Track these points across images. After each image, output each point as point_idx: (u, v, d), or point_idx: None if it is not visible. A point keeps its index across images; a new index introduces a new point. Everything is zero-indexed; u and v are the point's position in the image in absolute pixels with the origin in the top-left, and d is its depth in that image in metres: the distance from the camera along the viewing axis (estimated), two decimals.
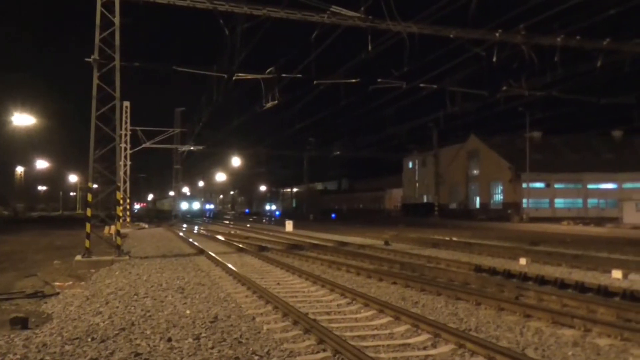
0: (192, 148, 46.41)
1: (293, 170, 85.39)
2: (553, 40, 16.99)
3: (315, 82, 18.91)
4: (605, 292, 10.26)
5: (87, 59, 16.81)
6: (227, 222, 58.01)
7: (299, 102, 34.23)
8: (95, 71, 16.68)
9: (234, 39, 15.99)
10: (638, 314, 8.12)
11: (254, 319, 8.48)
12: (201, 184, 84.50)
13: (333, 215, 69.86)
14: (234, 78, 18.58)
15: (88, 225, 16.64)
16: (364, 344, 6.99)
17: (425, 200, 71.57)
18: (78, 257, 16.37)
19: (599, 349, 6.77)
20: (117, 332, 7.68)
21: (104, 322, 8.34)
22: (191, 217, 77.97)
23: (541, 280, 11.80)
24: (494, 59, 17.07)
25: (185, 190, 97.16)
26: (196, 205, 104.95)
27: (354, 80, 19.44)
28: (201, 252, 19.31)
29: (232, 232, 33.57)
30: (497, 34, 16.46)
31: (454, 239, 25.39)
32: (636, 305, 9.08)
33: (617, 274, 12.84)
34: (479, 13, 15.82)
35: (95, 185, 18.02)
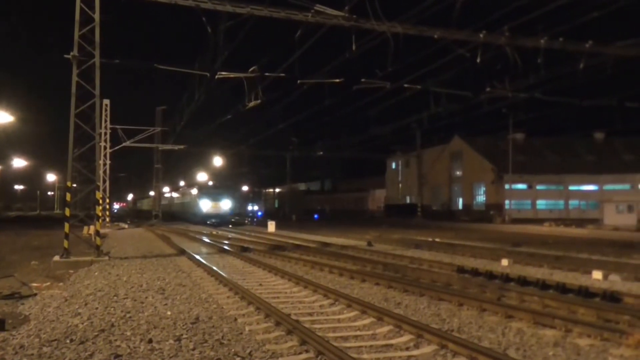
0: (173, 147, 45.90)
1: (275, 171, 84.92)
2: (536, 42, 17.13)
3: (298, 81, 18.85)
4: (585, 293, 10.37)
5: (66, 56, 16.51)
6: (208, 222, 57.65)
7: (282, 102, 34.29)
8: (74, 68, 16.40)
9: (217, 37, 15.87)
10: (617, 314, 8.23)
11: (235, 320, 8.40)
12: (182, 183, 76.71)
13: (316, 216, 69.76)
14: (216, 77, 18.44)
15: (67, 225, 16.34)
16: (347, 344, 6.98)
17: (408, 201, 71.86)
18: (56, 258, 16.08)
19: (579, 349, 6.84)
20: (96, 333, 7.56)
21: (82, 323, 8.19)
22: (217, 223, 46.48)
23: (523, 281, 11.87)
24: (478, 60, 17.15)
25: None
26: (227, 205, 53.66)
27: (337, 80, 19.42)
28: (182, 252, 19.13)
29: (214, 232, 33.36)
30: (481, 35, 16.54)
31: (437, 240, 25.51)
32: (616, 305, 9.22)
33: (597, 274, 12.99)
34: (463, 14, 15.92)
35: (74, 185, 17.73)
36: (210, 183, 54.81)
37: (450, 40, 16.56)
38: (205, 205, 50.48)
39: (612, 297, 9.93)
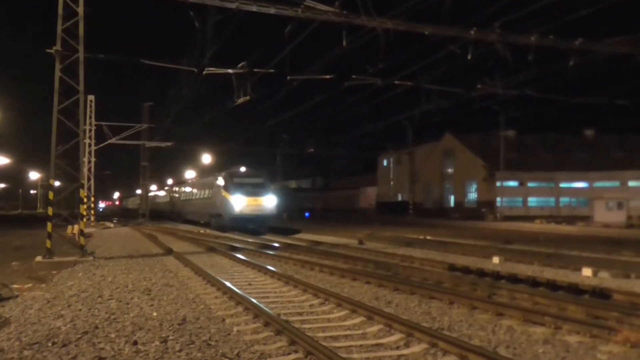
0: (160, 144, 45.43)
1: (266, 168, 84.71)
2: (527, 39, 17.10)
3: (288, 77, 18.69)
4: (575, 290, 10.40)
5: (48, 50, 16.22)
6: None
7: (271, 98, 34.13)
8: (57, 63, 16.09)
9: (205, 32, 15.68)
10: (606, 311, 8.22)
11: (223, 320, 8.27)
12: (170, 181, 72.89)
13: (307, 214, 69.59)
14: (204, 72, 18.24)
15: (49, 225, 16.00)
16: (337, 344, 6.89)
17: (399, 198, 71.94)
18: (38, 258, 15.76)
19: (568, 346, 6.82)
20: (79, 336, 7.38)
21: (65, 325, 8.00)
22: (254, 226, 31.44)
23: (514, 279, 11.86)
24: (469, 57, 17.09)
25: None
26: (271, 201, 32.24)
27: (328, 77, 19.31)
28: (169, 252, 18.92)
29: (202, 231, 33.06)
30: (472, 32, 16.48)
31: (428, 237, 25.48)
32: (605, 302, 9.21)
33: (587, 271, 13.01)
34: (454, 11, 15.84)
35: (57, 183, 17.43)
36: (243, 169, 33.13)
37: (441, 36, 16.47)
38: (239, 203, 30.43)
39: (601, 294, 9.96)
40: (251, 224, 30.65)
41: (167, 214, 55.54)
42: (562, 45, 17.89)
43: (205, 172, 47.26)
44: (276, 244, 21.40)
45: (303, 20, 14.81)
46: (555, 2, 14.86)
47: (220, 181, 33.34)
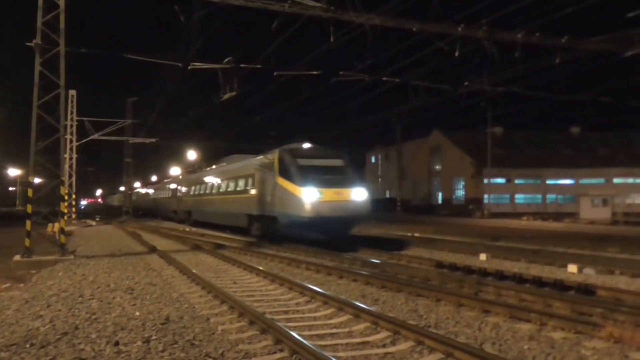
0: (144, 140, 44.76)
1: None
2: (514, 36, 17.09)
3: (275, 73, 18.51)
4: (561, 287, 10.46)
5: (28, 44, 15.91)
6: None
7: (258, 94, 33.95)
8: (37, 57, 15.77)
9: (190, 26, 15.46)
10: (591, 307, 8.24)
11: (208, 319, 8.17)
12: (154, 178, 70.20)
13: None
14: (189, 67, 18.01)
15: (28, 223, 15.66)
16: (323, 343, 6.83)
17: (388, 195, 72.03)
18: (17, 257, 15.45)
19: (553, 342, 6.85)
20: (59, 336, 7.23)
21: (44, 326, 7.84)
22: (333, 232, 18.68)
23: (500, 276, 11.87)
24: (457, 54, 17.05)
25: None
26: (362, 195, 18.82)
27: (315, 72, 19.16)
28: (153, 250, 18.70)
29: (187, 229, 32.74)
30: (460, 29, 16.43)
31: (416, 234, 25.48)
32: (589, 298, 9.23)
33: (572, 268, 13.08)
34: (442, 7, 15.79)
35: (37, 180, 17.11)
36: (308, 145, 21.58)
37: (429, 33, 16.41)
38: (311, 197, 18.29)
39: (586, 290, 10.00)
40: (329, 230, 18.58)
41: (165, 213, 47.41)
42: (548, 42, 17.91)
43: (234, 156, 31.44)
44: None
45: (290, 15, 14.66)
46: (542, 0, 14.88)
47: (271, 164, 20.88)
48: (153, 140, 43.93)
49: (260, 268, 13.32)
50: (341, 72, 19.49)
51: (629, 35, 16.88)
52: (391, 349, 6.55)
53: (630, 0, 17.05)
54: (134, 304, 9.42)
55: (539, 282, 10.89)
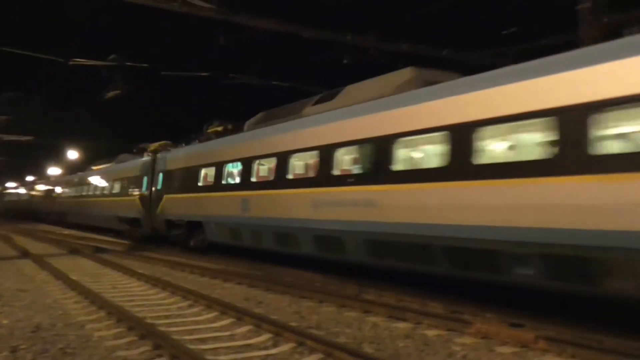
0: (19, 138, 41.41)
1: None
2: (399, 47, 17.99)
3: (162, 73, 18.02)
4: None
5: None
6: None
7: (146, 94, 32.68)
8: None
9: (73, 21, 14.68)
10: (462, 305, 8.82)
11: (83, 326, 7.77)
12: (30, 178, 64.21)
13: None
14: (70, 63, 17.04)
15: None
16: (204, 347, 6.75)
17: None
18: None
19: (427, 339, 7.20)
20: None
21: None
22: None
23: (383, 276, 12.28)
24: (345, 62, 17.64)
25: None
26: None
27: (204, 74, 18.89)
28: (26, 254, 17.41)
29: (66, 232, 30.74)
30: (349, 37, 17.04)
31: None
32: (460, 298, 9.87)
33: None
34: (333, 15, 16.30)
35: None
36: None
37: (319, 40, 16.83)
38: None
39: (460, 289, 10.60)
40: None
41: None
42: (430, 54, 19.03)
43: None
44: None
45: (180, 15, 14.38)
46: (429, 15, 15.84)
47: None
48: (29, 138, 40.79)
49: (142, 272, 12.89)
50: (231, 75, 19.41)
51: (503, 50, 18.40)
52: (273, 351, 6.61)
53: (505, 20, 18.66)
54: (1, 312, 8.73)
55: (417, 284, 11.41)
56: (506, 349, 6.63)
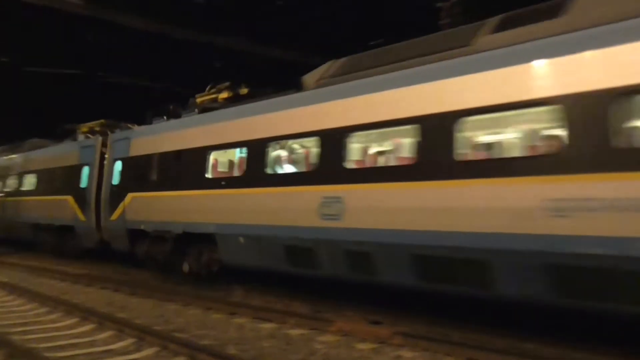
0: None
1: None
2: (272, 51, 18.40)
3: (24, 68, 16.81)
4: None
5: None
6: None
7: (5, 90, 30.14)
8: None
9: None
10: (326, 305, 9.19)
11: None
12: None
13: None
14: None
15: None
16: (62, 354, 6.56)
17: None
18: None
19: (290, 338, 7.43)
20: None
21: None
22: None
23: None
24: (218, 65, 17.74)
25: None
26: None
27: (73, 72, 17.89)
28: None
29: None
30: (223, 40, 17.12)
31: None
32: (324, 298, 10.32)
33: None
34: (210, 16, 16.30)
35: None
36: None
37: (190, 41, 16.71)
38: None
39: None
40: None
41: None
42: (302, 60, 19.62)
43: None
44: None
45: (44, 8, 13.58)
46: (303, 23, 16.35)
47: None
48: None
49: None
50: (100, 73, 18.58)
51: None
52: (135, 356, 6.58)
53: (371, 31, 19.69)
54: None
55: (280, 285, 11.68)
56: (365, 345, 6.99)
